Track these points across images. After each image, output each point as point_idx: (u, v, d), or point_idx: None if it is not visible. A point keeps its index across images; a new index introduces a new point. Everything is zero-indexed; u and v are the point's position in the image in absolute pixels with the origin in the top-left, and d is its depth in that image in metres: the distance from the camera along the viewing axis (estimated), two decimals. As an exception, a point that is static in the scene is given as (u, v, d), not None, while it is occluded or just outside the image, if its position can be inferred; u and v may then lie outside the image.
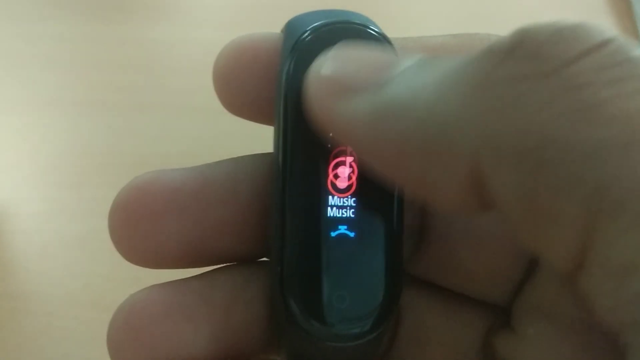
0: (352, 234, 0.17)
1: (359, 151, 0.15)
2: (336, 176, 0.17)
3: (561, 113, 0.12)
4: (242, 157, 0.18)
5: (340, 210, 0.17)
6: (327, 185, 0.17)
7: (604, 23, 0.13)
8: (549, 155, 0.12)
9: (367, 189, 0.17)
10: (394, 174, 0.14)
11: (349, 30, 0.17)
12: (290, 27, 0.17)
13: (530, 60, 0.12)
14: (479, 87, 0.13)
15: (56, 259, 0.39)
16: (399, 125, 0.13)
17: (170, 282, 0.17)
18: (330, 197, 0.17)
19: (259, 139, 0.20)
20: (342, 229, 0.17)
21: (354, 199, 0.17)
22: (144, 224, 0.17)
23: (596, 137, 0.12)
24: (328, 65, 0.15)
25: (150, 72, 0.48)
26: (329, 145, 0.16)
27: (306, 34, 0.16)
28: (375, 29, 0.17)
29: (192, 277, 0.18)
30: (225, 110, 0.18)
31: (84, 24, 0.51)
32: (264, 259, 0.18)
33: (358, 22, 0.17)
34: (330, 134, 0.15)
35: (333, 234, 0.17)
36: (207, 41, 0.50)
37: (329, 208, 0.17)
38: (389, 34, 0.17)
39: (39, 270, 0.39)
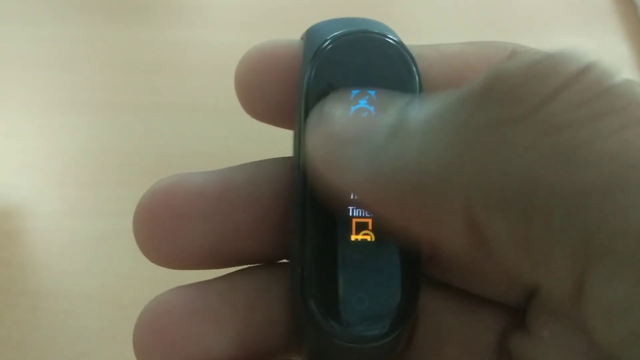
0: (371, 237, 0.17)
1: (362, 199, 0.15)
2: None
3: (542, 157, 0.12)
4: (263, 161, 0.19)
5: (360, 212, 0.17)
6: None
7: (582, 47, 0.13)
8: (536, 202, 0.12)
9: None
10: (397, 219, 0.15)
11: (367, 39, 0.17)
12: (311, 35, 0.18)
13: (505, 103, 0.12)
14: (460, 135, 0.13)
15: (75, 258, 0.39)
16: (395, 177, 0.14)
17: (194, 283, 0.18)
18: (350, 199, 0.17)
19: (274, 138, 0.20)
20: (362, 231, 0.17)
21: None
22: (167, 226, 0.17)
23: (579, 182, 0.11)
24: (319, 129, 0.16)
25: (167, 73, 0.49)
26: None
27: (327, 43, 0.17)
28: (394, 38, 0.17)
29: (215, 278, 0.18)
30: (241, 111, 0.18)
31: (103, 26, 0.51)
32: (284, 260, 0.19)
33: (377, 31, 0.17)
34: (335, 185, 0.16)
35: (352, 236, 0.17)
36: (223, 43, 0.51)
37: (348, 210, 0.17)
38: (406, 41, 0.18)
39: (58, 269, 0.39)
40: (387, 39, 0.17)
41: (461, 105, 0.13)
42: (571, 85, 0.12)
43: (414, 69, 0.17)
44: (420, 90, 0.17)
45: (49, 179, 0.43)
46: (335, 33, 0.17)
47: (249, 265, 0.19)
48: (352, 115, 0.16)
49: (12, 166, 0.43)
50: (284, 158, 0.18)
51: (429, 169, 0.13)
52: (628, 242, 0.11)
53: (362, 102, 0.16)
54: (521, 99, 0.12)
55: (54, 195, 0.42)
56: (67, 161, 0.44)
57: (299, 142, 0.17)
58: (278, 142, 0.20)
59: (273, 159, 0.19)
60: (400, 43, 0.17)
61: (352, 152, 0.15)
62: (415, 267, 0.17)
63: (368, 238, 0.17)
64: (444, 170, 0.13)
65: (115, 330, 0.36)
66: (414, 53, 0.17)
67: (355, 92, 0.16)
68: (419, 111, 0.14)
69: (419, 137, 0.13)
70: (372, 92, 0.16)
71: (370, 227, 0.17)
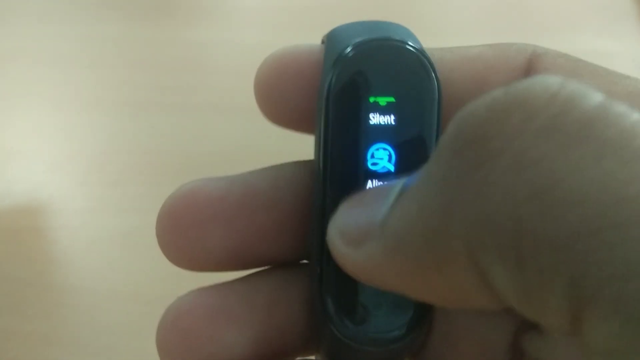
0: None
1: (384, 285, 0.15)
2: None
3: (523, 198, 0.11)
4: (283, 165, 0.19)
5: None
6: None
7: (552, 75, 0.12)
8: (525, 246, 0.11)
9: None
10: (423, 295, 0.14)
11: (388, 47, 0.17)
12: (332, 40, 0.18)
13: (476, 143, 0.12)
14: (446, 185, 0.13)
15: (100, 254, 0.40)
16: (405, 254, 0.13)
17: (215, 285, 0.18)
18: None
19: (297, 138, 0.20)
20: None
21: None
22: (190, 231, 0.17)
23: (562, 227, 0.11)
24: (337, 223, 0.16)
25: (192, 72, 0.49)
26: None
27: (348, 50, 0.17)
28: (415, 45, 0.17)
29: (235, 280, 0.18)
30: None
31: (128, 25, 0.52)
32: (304, 261, 0.19)
33: (398, 38, 0.17)
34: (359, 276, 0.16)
35: None
36: (248, 43, 0.51)
37: None
38: (427, 42, 0.18)
39: (83, 265, 0.40)
40: (408, 46, 0.17)
41: (441, 156, 0.13)
42: (540, 113, 0.12)
43: (434, 76, 0.17)
44: (440, 97, 0.17)
45: (75, 177, 0.44)
46: (357, 40, 0.17)
47: (268, 267, 0.19)
48: (355, 210, 0.16)
49: (39, 164, 0.44)
50: (304, 161, 0.19)
51: (429, 223, 0.13)
52: (612, 287, 0.11)
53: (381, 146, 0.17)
54: (490, 136, 0.12)
55: (80, 193, 0.43)
56: (92, 159, 0.44)
57: (320, 146, 0.17)
58: (300, 142, 0.20)
59: (294, 162, 0.19)
60: (420, 50, 0.17)
61: (362, 244, 0.15)
62: None
63: None
64: (440, 220, 0.13)
65: (138, 325, 0.37)
66: (435, 56, 0.18)
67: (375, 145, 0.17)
68: (414, 178, 0.14)
69: (416, 198, 0.13)
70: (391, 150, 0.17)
71: None
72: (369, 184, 0.17)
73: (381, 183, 0.17)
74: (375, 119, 0.17)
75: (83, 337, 0.37)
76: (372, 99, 0.17)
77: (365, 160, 0.17)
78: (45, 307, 0.38)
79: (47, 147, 0.45)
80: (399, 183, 0.14)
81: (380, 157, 0.17)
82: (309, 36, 0.19)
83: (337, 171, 0.17)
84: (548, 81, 0.12)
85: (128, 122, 0.46)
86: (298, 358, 0.19)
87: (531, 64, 0.18)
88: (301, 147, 0.19)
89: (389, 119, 0.17)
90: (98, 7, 0.53)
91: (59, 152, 0.45)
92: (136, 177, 0.43)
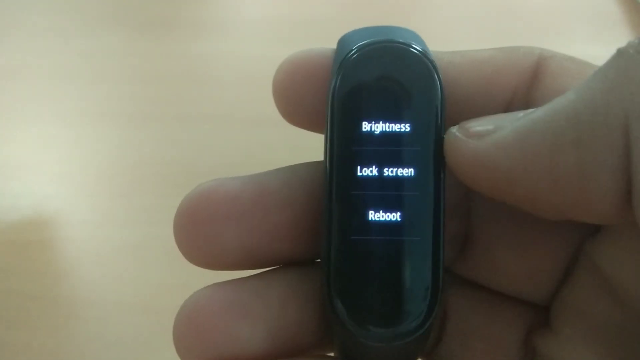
0: (396, 236, 0.17)
1: (511, 180, 0.16)
2: None
3: None
4: (297, 165, 0.19)
5: (385, 214, 0.17)
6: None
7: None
8: None
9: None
10: (538, 181, 0.15)
11: (392, 48, 0.18)
12: (341, 44, 0.18)
13: None
14: (620, 75, 0.14)
15: (108, 266, 0.40)
16: (549, 132, 0.15)
17: (230, 280, 0.18)
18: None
19: (303, 146, 0.20)
20: (387, 231, 0.17)
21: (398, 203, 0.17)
22: (206, 229, 0.18)
23: None
24: (456, 130, 0.17)
25: (197, 85, 0.50)
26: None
27: (352, 52, 0.17)
28: (418, 47, 0.18)
29: (250, 276, 0.19)
30: (269, 121, 0.19)
31: (134, 39, 0.52)
32: (318, 260, 0.19)
33: (401, 40, 0.18)
34: (485, 182, 0.16)
35: (378, 237, 0.17)
36: (251, 55, 0.52)
37: (374, 212, 0.17)
38: (436, 47, 0.18)
39: (91, 277, 0.40)
40: (410, 48, 0.17)
41: (616, 58, 0.15)
42: None
43: (437, 77, 0.17)
44: (442, 98, 0.17)
45: (83, 189, 0.44)
46: (361, 43, 0.18)
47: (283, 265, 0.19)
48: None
49: (47, 176, 0.44)
50: (317, 162, 0.19)
51: (588, 107, 0.14)
52: None
53: None
54: None
55: (87, 205, 0.43)
56: (100, 172, 0.45)
57: (327, 147, 0.18)
58: (307, 150, 0.20)
59: (306, 163, 0.19)
60: (423, 52, 0.18)
61: (491, 133, 0.16)
62: (439, 267, 0.18)
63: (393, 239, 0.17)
64: (604, 102, 0.14)
65: (147, 336, 0.37)
66: (445, 60, 0.18)
67: None
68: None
69: (580, 88, 0.15)
70: None
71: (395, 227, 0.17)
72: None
73: (384, 184, 0.17)
74: (378, 119, 0.17)
75: (92, 350, 0.37)
76: (375, 100, 0.17)
77: (369, 160, 0.17)
78: (54, 320, 0.38)
79: (53, 160, 0.45)
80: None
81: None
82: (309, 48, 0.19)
83: (342, 172, 0.17)
84: None
85: (133, 135, 0.47)
86: (315, 353, 0.19)
87: (539, 66, 0.18)
88: (308, 155, 0.20)
89: (392, 120, 0.17)
90: (102, 22, 0.54)
91: (65, 165, 0.45)
92: (143, 189, 0.44)
